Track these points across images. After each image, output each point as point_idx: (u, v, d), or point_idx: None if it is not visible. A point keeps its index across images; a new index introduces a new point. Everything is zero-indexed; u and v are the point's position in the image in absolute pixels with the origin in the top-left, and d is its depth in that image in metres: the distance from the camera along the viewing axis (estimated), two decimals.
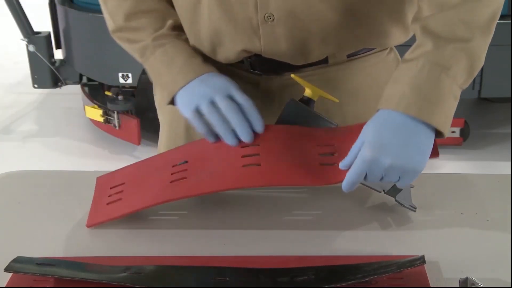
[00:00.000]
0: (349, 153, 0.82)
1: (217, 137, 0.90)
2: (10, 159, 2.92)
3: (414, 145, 0.79)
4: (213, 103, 0.89)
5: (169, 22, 0.97)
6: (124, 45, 1.00)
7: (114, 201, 0.90)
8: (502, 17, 2.96)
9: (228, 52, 0.97)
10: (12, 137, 3.21)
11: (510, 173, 1.02)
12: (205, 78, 0.92)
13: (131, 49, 0.99)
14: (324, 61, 0.99)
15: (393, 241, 0.84)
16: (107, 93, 2.99)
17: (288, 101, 0.92)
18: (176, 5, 0.98)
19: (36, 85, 3.07)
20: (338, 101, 0.96)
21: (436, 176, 1.01)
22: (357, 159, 0.80)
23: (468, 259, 0.80)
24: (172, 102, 0.94)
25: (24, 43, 2.96)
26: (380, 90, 0.95)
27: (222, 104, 0.88)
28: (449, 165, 2.60)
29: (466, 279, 0.72)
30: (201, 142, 0.92)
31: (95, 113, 2.95)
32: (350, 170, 0.81)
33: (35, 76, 3.04)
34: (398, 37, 1.00)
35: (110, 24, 1.00)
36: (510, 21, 2.60)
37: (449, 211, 0.91)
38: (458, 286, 0.72)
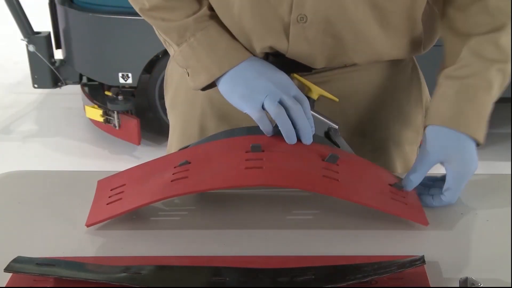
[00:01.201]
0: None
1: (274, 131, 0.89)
2: (10, 159, 2.92)
3: (473, 155, 0.89)
4: (280, 103, 0.87)
5: (206, 3, 0.95)
6: (157, 23, 0.97)
7: (114, 201, 0.90)
8: None
9: (254, 45, 0.96)
10: (12, 137, 3.22)
11: (510, 173, 1.02)
12: (257, 67, 0.92)
13: (166, 28, 0.96)
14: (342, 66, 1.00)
15: (393, 241, 0.84)
16: (107, 93, 3.00)
17: None
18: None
19: (36, 85, 3.07)
20: (338, 100, 0.96)
21: (436, 176, 1.01)
22: (453, 179, 0.89)
23: (468, 259, 0.80)
24: (209, 86, 0.94)
25: (24, 43, 2.96)
26: (393, 90, 1.04)
27: (290, 105, 0.87)
28: None
29: (466, 279, 0.72)
30: (204, 146, 0.92)
31: (95, 113, 2.95)
32: (449, 193, 0.89)
33: (35, 76, 3.04)
34: (410, 51, 1.01)
35: (142, 3, 0.96)
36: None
37: (449, 211, 0.91)
38: (458, 286, 0.72)
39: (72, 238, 0.87)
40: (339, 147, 0.92)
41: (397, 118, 1.06)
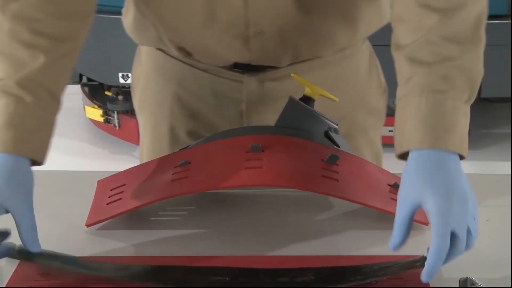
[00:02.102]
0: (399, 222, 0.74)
1: None
2: None
3: (456, 175, 0.74)
4: None
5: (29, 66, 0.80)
6: None
7: (114, 201, 0.90)
8: (502, 17, 2.95)
9: (217, 60, 0.99)
10: None
11: (510, 173, 1.02)
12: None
13: None
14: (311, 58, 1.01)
15: None
16: (107, 93, 2.99)
17: (288, 100, 0.92)
18: (163, 21, 0.97)
19: None
20: (337, 100, 0.96)
21: None
22: (436, 217, 0.70)
23: (468, 259, 0.80)
24: None
25: None
26: (356, 79, 1.04)
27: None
28: None
29: (466, 279, 0.72)
30: (204, 146, 0.92)
31: (95, 113, 2.95)
32: (436, 239, 0.69)
33: None
34: (376, 22, 1.02)
35: None
36: (510, 21, 2.60)
37: None
38: (458, 286, 0.72)
39: (72, 238, 0.87)
40: (339, 147, 0.92)
41: (361, 105, 1.07)
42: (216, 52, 0.97)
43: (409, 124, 0.77)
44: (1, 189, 0.75)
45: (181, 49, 1.00)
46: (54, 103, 0.84)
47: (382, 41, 1.06)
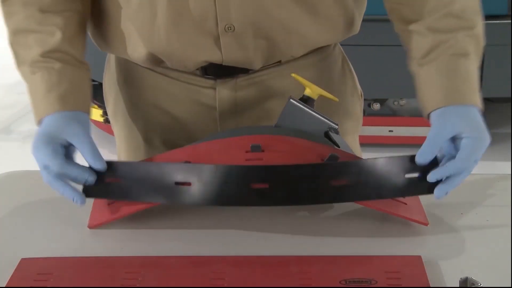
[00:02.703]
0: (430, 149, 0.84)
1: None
2: (10, 159, 2.92)
3: (481, 120, 0.86)
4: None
5: (59, 35, 0.92)
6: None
7: (115, 201, 0.90)
8: (502, 17, 2.95)
9: (187, 63, 0.97)
10: (12, 137, 3.21)
11: (510, 173, 1.02)
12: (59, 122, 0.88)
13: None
14: (278, 61, 1.01)
15: (393, 241, 0.84)
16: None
17: (288, 101, 0.92)
18: (126, 25, 0.96)
19: None
20: (337, 100, 0.96)
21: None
22: (471, 147, 0.83)
23: (468, 259, 0.80)
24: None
25: None
26: (330, 82, 1.04)
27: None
28: None
29: (466, 279, 0.72)
30: (205, 146, 0.92)
31: (95, 113, 2.94)
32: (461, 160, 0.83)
33: None
34: (345, 32, 1.02)
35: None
36: (510, 21, 2.60)
37: (449, 211, 0.91)
38: (458, 286, 0.73)
39: (72, 238, 0.87)
40: (338, 147, 0.92)
41: (337, 109, 1.06)
42: (186, 53, 0.95)
43: (439, 84, 0.88)
44: (61, 128, 0.86)
45: (151, 55, 0.97)
46: (80, 65, 0.95)
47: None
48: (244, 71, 0.99)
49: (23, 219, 0.92)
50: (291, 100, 0.92)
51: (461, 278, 0.73)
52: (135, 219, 0.90)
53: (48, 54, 0.91)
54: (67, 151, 0.86)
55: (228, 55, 0.95)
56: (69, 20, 0.94)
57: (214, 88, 1.01)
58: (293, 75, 0.95)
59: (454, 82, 0.88)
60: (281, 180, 0.83)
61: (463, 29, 0.90)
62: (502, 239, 0.84)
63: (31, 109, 0.91)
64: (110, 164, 0.87)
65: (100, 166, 0.85)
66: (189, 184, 0.83)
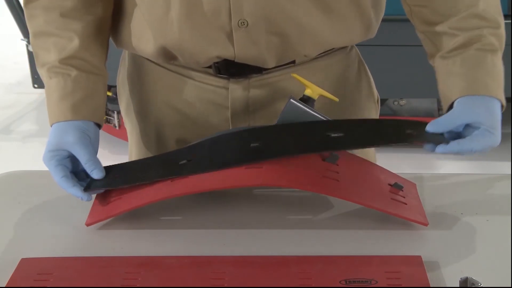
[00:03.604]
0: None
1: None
2: (10, 159, 2.92)
3: (499, 113, 0.89)
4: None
5: (76, 42, 0.95)
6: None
7: (114, 200, 0.90)
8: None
9: (200, 58, 0.97)
10: (12, 137, 3.21)
11: (510, 173, 1.02)
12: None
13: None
14: (291, 62, 1.00)
15: (393, 241, 0.84)
16: (107, 93, 2.99)
17: (288, 100, 0.92)
18: (140, 19, 0.97)
19: (36, 85, 3.06)
20: (337, 100, 0.96)
21: (436, 176, 1.01)
22: (483, 142, 0.86)
23: (468, 259, 0.80)
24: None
25: (24, 43, 2.96)
26: (345, 86, 1.03)
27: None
28: (449, 165, 2.60)
29: (466, 279, 0.72)
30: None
31: None
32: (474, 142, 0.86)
33: (35, 76, 3.04)
34: (361, 34, 1.01)
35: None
36: (510, 21, 2.60)
37: (449, 211, 0.91)
38: (458, 286, 0.73)
39: (72, 238, 0.87)
40: None
41: (351, 113, 1.06)
42: (198, 47, 0.94)
43: (465, 74, 0.89)
44: (65, 139, 0.90)
45: (163, 50, 0.97)
46: (97, 71, 0.96)
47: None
48: (257, 70, 0.99)
49: (23, 219, 0.92)
50: (291, 100, 0.92)
51: (461, 278, 0.73)
52: (135, 219, 0.90)
53: (65, 61, 0.93)
54: (77, 163, 0.90)
55: (240, 50, 0.94)
56: (89, 25, 0.96)
57: (227, 88, 1.01)
58: (293, 75, 0.95)
59: (479, 73, 0.89)
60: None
61: (489, 27, 0.91)
62: (502, 239, 0.84)
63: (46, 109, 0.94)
64: (110, 169, 0.91)
65: (97, 176, 0.89)
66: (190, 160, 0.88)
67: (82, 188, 0.89)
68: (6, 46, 4.25)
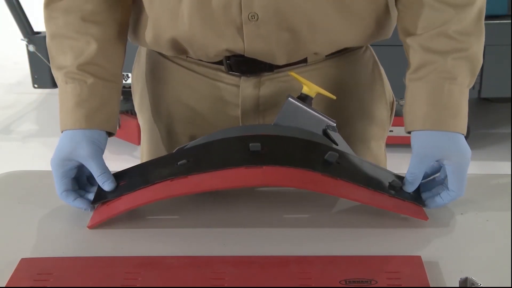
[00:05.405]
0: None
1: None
2: (10, 159, 2.92)
3: (465, 144, 0.89)
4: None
5: (94, 46, 0.94)
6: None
7: (114, 200, 0.90)
8: (502, 17, 2.95)
9: (209, 51, 0.96)
10: (12, 137, 3.22)
11: (510, 173, 1.02)
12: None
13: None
14: (303, 61, 1.00)
15: (393, 240, 0.84)
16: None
17: (286, 99, 0.93)
18: (153, 11, 0.96)
19: (36, 85, 3.07)
20: (335, 97, 0.96)
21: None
22: (457, 172, 0.87)
23: (468, 259, 0.80)
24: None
25: (24, 43, 2.96)
26: (357, 87, 1.03)
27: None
28: None
29: (466, 279, 0.72)
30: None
31: None
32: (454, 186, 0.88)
33: (35, 76, 3.04)
34: (375, 34, 1.00)
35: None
36: (510, 21, 2.60)
37: (449, 211, 0.91)
38: (458, 286, 0.73)
39: (72, 238, 0.87)
40: (337, 145, 0.92)
41: (362, 114, 1.06)
42: (208, 39, 0.94)
43: (422, 106, 0.89)
44: (76, 149, 0.90)
45: (173, 42, 0.97)
46: (113, 79, 0.96)
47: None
48: (268, 68, 0.99)
49: (23, 219, 0.92)
50: (289, 98, 0.93)
51: (461, 278, 0.73)
52: (135, 219, 0.90)
53: (82, 67, 0.93)
54: (83, 169, 0.91)
55: (250, 44, 0.93)
56: (107, 30, 0.96)
57: (238, 86, 1.01)
58: (290, 73, 0.95)
59: (436, 108, 0.88)
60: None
61: (456, 51, 0.89)
62: (502, 239, 0.84)
63: (58, 115, 0.94)
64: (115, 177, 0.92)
65: (108, 188, 0.90)
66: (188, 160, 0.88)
67: (83, 196, 0.91)
68: (6, 46, 4.25)
